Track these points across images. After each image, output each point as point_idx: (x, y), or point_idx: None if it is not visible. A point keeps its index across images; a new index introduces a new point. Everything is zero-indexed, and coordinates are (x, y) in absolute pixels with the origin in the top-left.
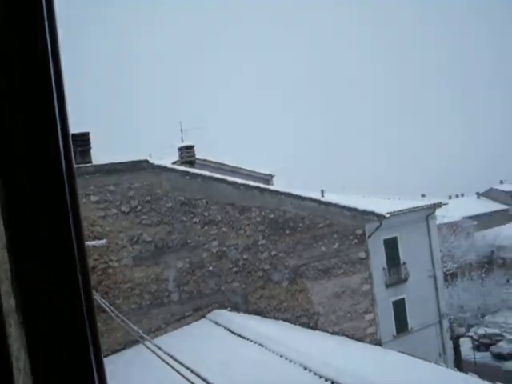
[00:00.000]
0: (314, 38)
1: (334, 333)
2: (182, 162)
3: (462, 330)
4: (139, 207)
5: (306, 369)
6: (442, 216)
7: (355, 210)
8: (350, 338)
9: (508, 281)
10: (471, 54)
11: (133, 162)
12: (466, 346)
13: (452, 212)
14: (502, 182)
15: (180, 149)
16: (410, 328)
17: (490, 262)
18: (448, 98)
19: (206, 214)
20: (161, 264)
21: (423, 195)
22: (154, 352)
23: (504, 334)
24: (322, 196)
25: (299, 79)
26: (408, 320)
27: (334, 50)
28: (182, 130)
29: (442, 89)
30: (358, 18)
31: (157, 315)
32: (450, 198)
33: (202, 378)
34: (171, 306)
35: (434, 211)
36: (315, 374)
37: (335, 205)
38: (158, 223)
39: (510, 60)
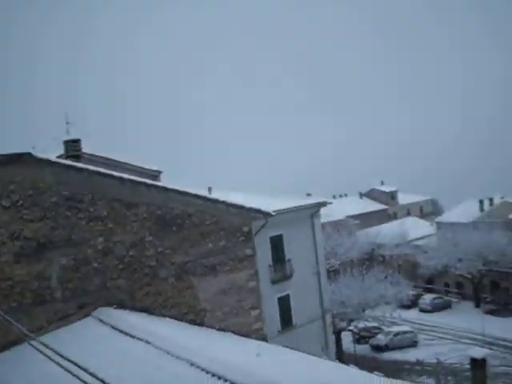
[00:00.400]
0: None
1: (220, 329)
2: (68, 156)
3: (344, 324)
4: (21, 201)
5: (193, 365)
6: (327, 215)
7: (242, 207)
8: (236, 334)
9: (386, 277)
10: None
11: (14, 154)
12: (347, 339)
13: (336, 211)
14: (382, 183)
15: (65, 142)
16: (294, 323)
17: (370, 259)
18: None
19: (91, 209)
20: (43, 261)
21: (309, 194)
22: (39, 350)
23: (382, 327)
24: (210, 193)
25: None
26: (293, 315)
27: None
28: (67, 123)
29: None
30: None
31: (39, 314)
32: (334, 197)
33: (91, 374)
34: (54, 304)
35: (318, 210)
36: (202, 370)
37: (222, 202)
38: (41, 218)
39: None
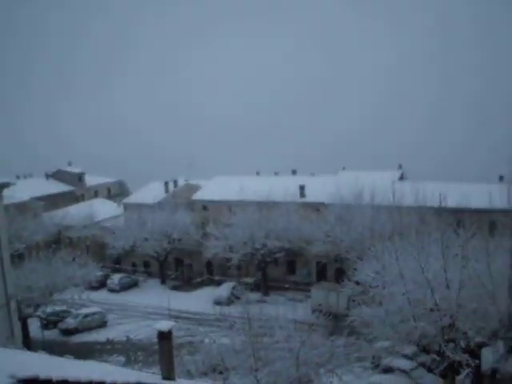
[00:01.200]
0: None
1: None
2: None
3: (31, 310)
4: None
5: None
6: (10, 196)
7: None
8: None
9: (74, 259)
10: None
11: None
12: (35, 325)
13: (20, 192)
14: (70, 164)
15: None
16: None
17: (57, 242)
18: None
19: None
20: None
21: None
22: None
23: (71, 310)
24: None
25: None
26: None
27: None
28: None
29: None
30: None
31: None
32: (18, 178)
33: None
34: None
35: (1, 191)
36: None
37: None
38: None
39: None
